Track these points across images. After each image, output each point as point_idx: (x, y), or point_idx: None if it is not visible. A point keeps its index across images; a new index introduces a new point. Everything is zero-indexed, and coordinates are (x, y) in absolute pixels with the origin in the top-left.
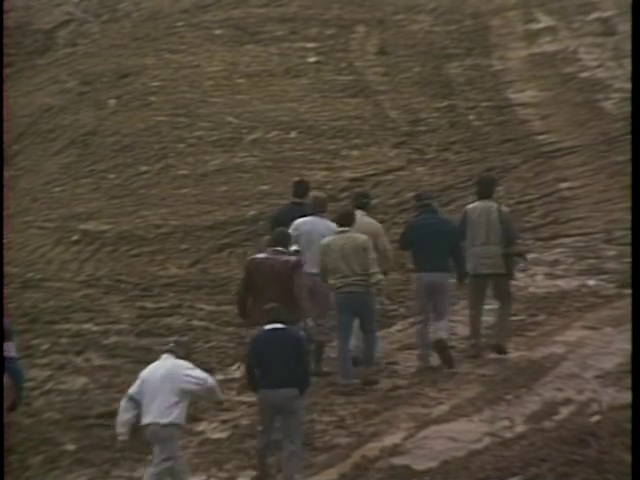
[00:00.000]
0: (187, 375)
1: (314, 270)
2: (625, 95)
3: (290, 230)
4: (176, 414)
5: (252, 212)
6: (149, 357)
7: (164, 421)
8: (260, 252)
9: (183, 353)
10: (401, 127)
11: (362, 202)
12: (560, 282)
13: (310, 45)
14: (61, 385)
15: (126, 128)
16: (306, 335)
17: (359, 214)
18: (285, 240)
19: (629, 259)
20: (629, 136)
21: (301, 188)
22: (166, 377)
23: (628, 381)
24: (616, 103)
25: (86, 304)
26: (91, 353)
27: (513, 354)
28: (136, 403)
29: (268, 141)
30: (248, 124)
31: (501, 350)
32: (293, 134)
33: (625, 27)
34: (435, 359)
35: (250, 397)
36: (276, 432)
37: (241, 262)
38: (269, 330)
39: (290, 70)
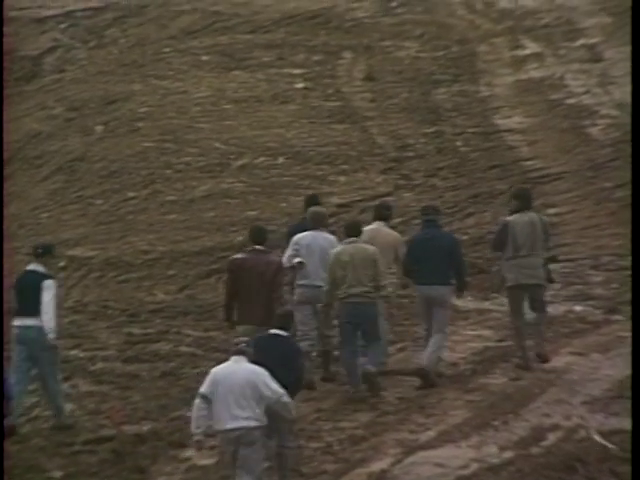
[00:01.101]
0: (267, 384)
1: (315, 282)
2: (612, 121)
3: (290, 245)
4: (261, 418)
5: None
6: (136, 383)
7: (252, 424)
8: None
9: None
10: (388, 153)
11: (384, 214)
12: (548, 308)
13: (297, 71)
14: (48, 412)
15: (113, 154)
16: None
17: (380, 225)
18: (261, 237)
19: (616, 285)
20: (616, 162)
21: (314, 202)
22: (247, 383)
23: (615, 407)
24: (603, 129)
25: (73, 330)
26: (78, 379)
27: (500, 380)
28: (209, 403)
29: (256, 167)
30: (235, 150)
31: (545, 358)
32: (281, 160)
33: (611, 54)
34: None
35: None
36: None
37: None
38: (270, 335)
39: (277, 96)
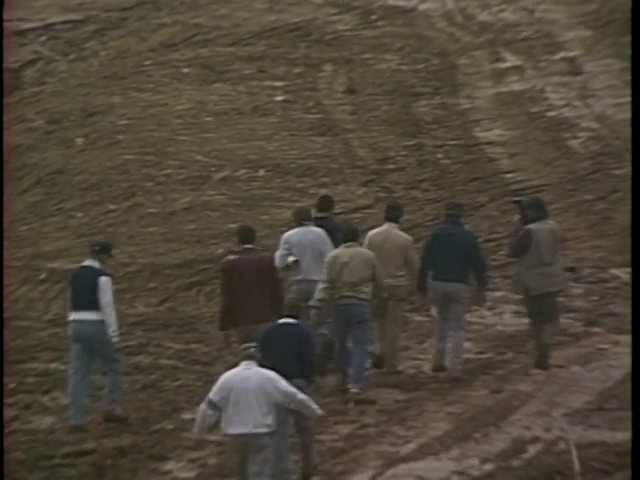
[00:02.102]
0: (279, 389)
1: (310, 277)
2: (592, 134)
3: (281, 244)
4: (271, 424)
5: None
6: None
7: (262, 430)
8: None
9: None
10: (369, 165)
11: (394, 215)
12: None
13: (278, 84)
14: (27, 425)
15: (94, 167)
16: None
17: (390, 227)
18: (250, 236)
19: (596, 297)
20: (596, 175)
21: (325, 203)
22: (259, 389)
23: (595, 419)
24: (583, 142)
25: (53, 343)
26: (58, 392)
27: (481, 392)
28: (217, 410)
29: (236, 179)
30: (216, 162)
31: (545, 366)
32: (261, 172)
33: (591, 67)
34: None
35: (218, 436)
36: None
37: (210, 300)
38: (281, 324)
39: (258, 109)
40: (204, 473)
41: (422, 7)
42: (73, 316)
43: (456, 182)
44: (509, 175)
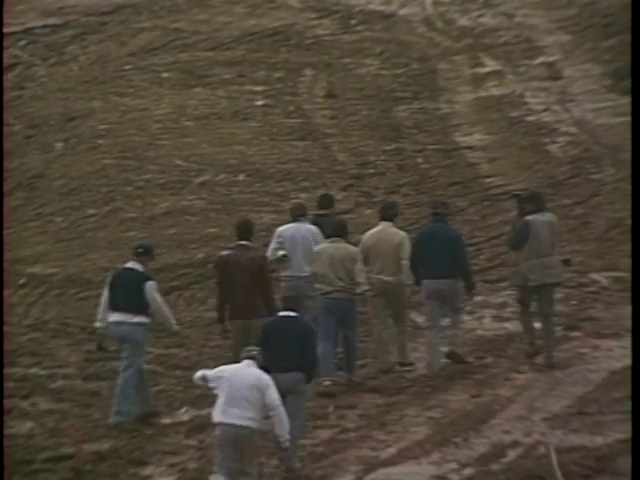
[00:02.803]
0: (269, 393)
1: (298, 274)
2: (571, 139)
3: (274, 238)
4: (260, 421)
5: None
6: (96, 401)
7: (252, 425)
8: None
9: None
10: (349, 170)
11: (389, 213)
12: (508, 325)
13: (258, 88)
14: (7, 430)
15: (73, 171)
16: None
17: (386, 225)
18: (247, 232)
19: (575, 302)
20: (575, 179)
21: (326, 201)
22: (254, 387)
23: (575, 424)
24: (562, 147)
25: (33, 348)
26: (37, 397)
27: (461, 396)
28: (205, 382)
29: (216, 184)
30: (196, 167)
31: (551, 363)
32: (241, 177)
33: (570, 71)
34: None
35: (197, 440)
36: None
37: (189, 305)
38: (281, 317)
39: (238, 113)
40: (184, 478)
41: (402, 12)
42: (113, 317)
43: (436, 186)
44: (489, 179)
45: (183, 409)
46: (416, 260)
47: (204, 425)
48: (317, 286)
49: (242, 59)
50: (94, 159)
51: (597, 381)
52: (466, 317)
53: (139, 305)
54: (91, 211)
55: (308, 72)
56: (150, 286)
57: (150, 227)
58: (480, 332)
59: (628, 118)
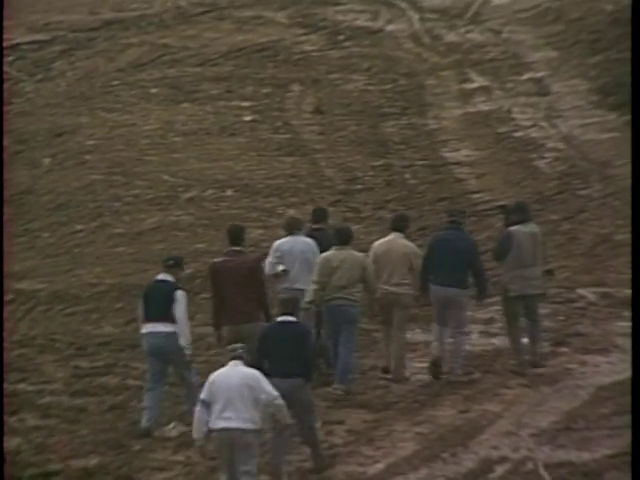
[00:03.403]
0: (262, 387)
1: (297, 286)
2: (558, 155)
3: (271, 252)
4: (257, 421)
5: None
6: (83, 417)
7: (247, 426)
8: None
9: (250, 359)
10: (337, 186)
11: (400, 225)
12: (495, 340)
13: (246, 104)
14: None
15: (61, 187)
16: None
17: (396, 236)
18: (238, 238)
19: (563, 317)
20: (562, 195)
21: (320, 215)
22: (244, 385)
23: (563, 439)
24: (549, 162)
25: (20, 364)
26: (25, 413)
27: (449, 412)
28: (208, 407)
29: (204, 199)
30: (184, 182)
31: (539, 365)
32: (229, 192)
33: (558, 87)
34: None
35: (184, 456)
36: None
37: None
38: (280, 322)
39: (226, 129)
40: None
41: (389, 28)
42: (147, 328)
43: (424, 202)
44: (476, 195)
45: (171, 425)
46: (427, 265)
47: (192, 441)
48: (322, 294)
49: (230, 75)
50: (82, 175)
51: (584, 397)
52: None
53: (171, 315)
54: (79, 227)
55: (296, 88)
56: (179, 295)
57: (138, 243)
58: (468, 347)
59: (615, 134)
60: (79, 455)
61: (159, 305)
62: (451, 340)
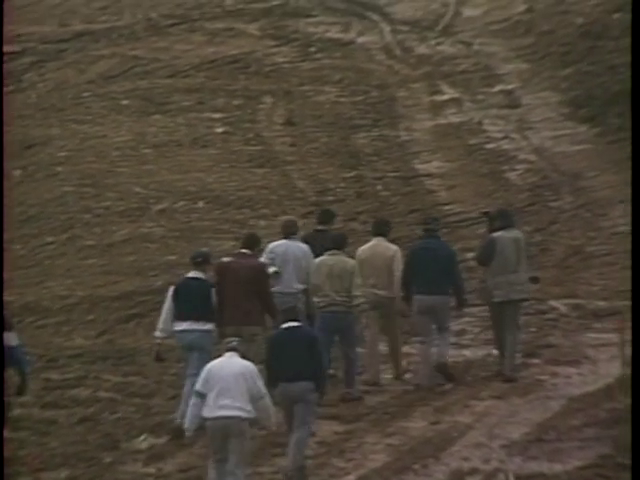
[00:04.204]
0: (255, 381)
1: (289, 290)
2: (529, 166)
3: (265, 253)
4: (251, 410)
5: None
6: (54, 429)
7: (241, 415)
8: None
9: (244, 350)
10: (309, 197)
11: (383, 229)
12: (466, 352)
13: (217, 115)
14: None
15: (32, 199)
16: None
17: (379, 240)
18: (251, 243)
19: (534, 329)
20: (534, 207)
21: (326, 216)
22: (240, 376)
23: (534, 450)
24: (521, 174)
25: None
26: None
27: (419, 423)
28: (203, 398)
29: (175, 211)
30: (155, 194)
31: (512, 378)
32: (200, 204)
33: (528, 99)
34: (434, 378)
35: (155, 468)
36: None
37: (148, 333)
38: (286, 328)
39: (197, 140)
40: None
41: (361, 40)
42: (182, 326)
43: (395, 214)
44: (448, 207)
45: (142, 437)
46: (408, 276)
47: (163, 453)
48: (315, 299)
49: (201, 86)
50: (53, 186)
51: (556, 408)
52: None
53: (207, 312)
54: (49, 239)
55: (267, 99)
56: (215, 293)
57: (109, 254)
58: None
59: (587, 146)
60: (49, 468)
61: (193, 303)
62: (434, 349)
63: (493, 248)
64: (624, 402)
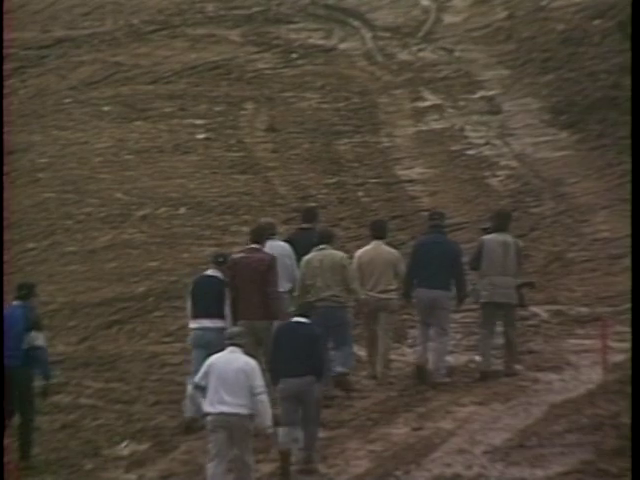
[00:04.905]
0: (254, 377)
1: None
2: (511, 172)
3: None
4: (252, 406)
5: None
6: (36, 436)
7: (242, 411)
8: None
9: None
10: (290, 203)
11: (381, 232)
12: (449, 357)
13: (199, 122)
14: None
15: (13, 205)
16: None
17: (378, 244)
18: (259, 236)
19: (515, 335)
20: (515, 213)
21: (309, 214)
22: (241, 371)
23: (516, 456)
24: (502, 180)
25: None
26: None
27: (402, 430)
28: (203, 391)
29: (157, 217)
30: (137, 200)
31: (512, 372)
32: (182, 210)
33: (509, 106)
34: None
35: (137, 475)
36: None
37: (130, 339)
38: (292, 323)
39: (179, 146)
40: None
41: (342, 46)
42: (197, 324)
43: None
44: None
45: (123, 443)
46: (412, 270)
47: (144, 460)
48: (307, 296)
49: (183, 93)
50: (34, 192)
51: (537, 414)
52: (407, 350)
53: (221, 310)
54: (31, 245)
55: (249, 106)
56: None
57: (90, 261)
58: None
59: (567, 152)
60: (31, 474)
61: (210, 301)
62: (435, 341)
63: (479, 251)
64: (606, 408)
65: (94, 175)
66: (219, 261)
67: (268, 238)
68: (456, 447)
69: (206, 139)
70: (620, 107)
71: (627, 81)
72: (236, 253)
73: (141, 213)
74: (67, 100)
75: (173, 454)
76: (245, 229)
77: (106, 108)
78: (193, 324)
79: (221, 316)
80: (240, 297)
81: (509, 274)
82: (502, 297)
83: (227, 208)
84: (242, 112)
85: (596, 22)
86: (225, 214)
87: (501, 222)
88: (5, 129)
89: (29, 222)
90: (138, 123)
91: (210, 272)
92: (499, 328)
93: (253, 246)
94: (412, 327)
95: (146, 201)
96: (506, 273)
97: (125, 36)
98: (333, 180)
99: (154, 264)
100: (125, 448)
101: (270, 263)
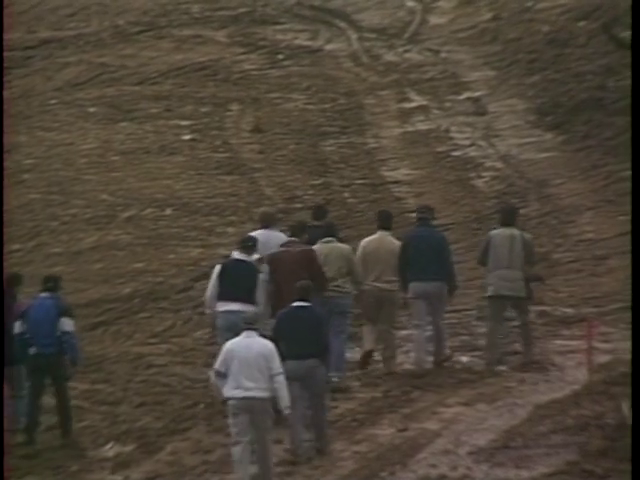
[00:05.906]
0: (273, 360)
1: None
2: (496, 174)
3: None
4: (270, 390)
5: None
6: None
7: (263, 395)
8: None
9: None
10: (276, 204)
11: (387, 223)
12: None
13: (185, 123)
14: None
15: None
16: None
17: (383, 234)
18: (299, 230)
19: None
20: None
21: (320, 212)
22: (260, 355)
23: (501, 457)
24: (487, 182)
25: None
26: None
27: (387, 430)
28: (224, 377)
29: (143, 218)
30: (123, 202)
31: (532, 361)
32: (168, 211)
33: (495, 107)
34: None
35: (122, 476)
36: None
37: (116, 340)
38: (295, 307)
39: (165, 148)
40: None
41: (328, 47)
42: (226, 307)
43: (363, 221)
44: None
45: (108, 445)
46: (403, 263)
47: (129, 461)
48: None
49: (169, 93)
50: (19, 194)
51: (523, 415)
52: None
53: (253, 295)
54: (16, 246)
55: (235, 107)
56: (262, 278)
57: (76, 262)
58: (407, 366)
59: (553, 153)
60: (16, 475)
61: (239, 285)
62: (429, 333)
63: (486, 245)
64: (591, 409)
65: (80, 176)
66: (249, 245)
67: (267, 227)
68: (441, 448)
69: (192, 140)
70: (605, 108)
71: (612, 82)
72: (276, 250)
73: (127, 214)
74: (53, 101)
75: (158, 455)
76: (231, 230)
77: (92, 109)
78: (222, 307)
79: (252, 302)
80: (281, 290)
81: (516, 267)
82: (509, 290)
83: (213, 209)
84: (228, 113)
85: (581, 24)
86: (211, 215)
87: (507, 217)
88: None
89: (15, 223)
90: (124, 124)
91: (238, 256)
92: (513, 322)
93: (291, 239)
94: (401, 329)
95: (132, 202)
96: (513, 267)
97: (111, 37)
98: (319, 181)
99: (140, 265)
100: (110, 449)
101: (309, 254)
